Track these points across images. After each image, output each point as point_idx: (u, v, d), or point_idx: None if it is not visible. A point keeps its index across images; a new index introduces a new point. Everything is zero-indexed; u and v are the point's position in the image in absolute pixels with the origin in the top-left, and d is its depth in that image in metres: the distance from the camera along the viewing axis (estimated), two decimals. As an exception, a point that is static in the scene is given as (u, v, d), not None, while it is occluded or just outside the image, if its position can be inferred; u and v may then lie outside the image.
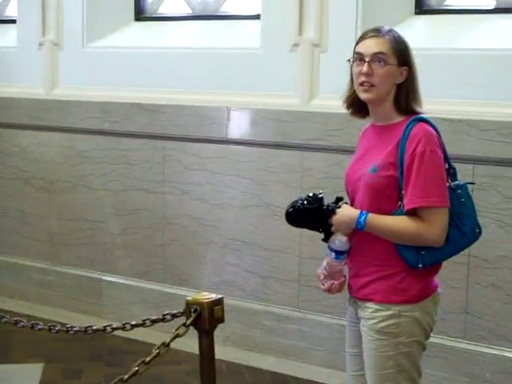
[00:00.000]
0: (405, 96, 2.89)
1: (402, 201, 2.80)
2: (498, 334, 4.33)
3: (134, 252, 5.61)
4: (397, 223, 2.80)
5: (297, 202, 2.88)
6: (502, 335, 4.32)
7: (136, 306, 5.56)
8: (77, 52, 5.75)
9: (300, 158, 4.88)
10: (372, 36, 2.90)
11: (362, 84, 2.88)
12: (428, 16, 4.75)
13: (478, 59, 4.33)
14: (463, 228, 2.84)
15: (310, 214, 2.84)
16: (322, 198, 2.86)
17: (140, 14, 5.82)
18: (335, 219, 2.88)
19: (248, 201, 5.09)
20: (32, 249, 6.08)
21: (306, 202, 2.85)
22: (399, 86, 2.89)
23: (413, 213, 2.78)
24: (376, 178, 2.82)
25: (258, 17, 5.11)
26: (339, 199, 2.90)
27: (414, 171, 2.76)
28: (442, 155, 2.82)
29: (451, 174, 2.87)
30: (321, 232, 2.91)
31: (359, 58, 2.90)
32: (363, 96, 2.89)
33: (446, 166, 2.85)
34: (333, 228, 2.89)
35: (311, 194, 2.87)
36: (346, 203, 2.92)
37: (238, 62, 5.11)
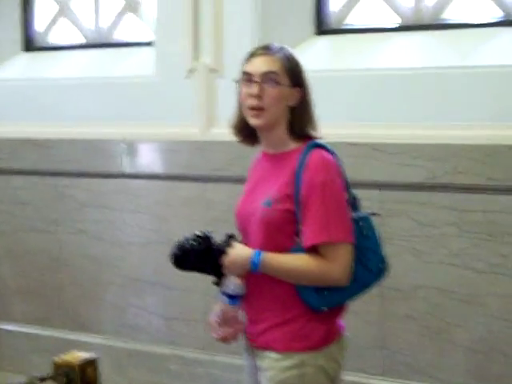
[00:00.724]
0: (299, 120, 2.63)
1: (299, 236, 2.52)
2: (415, 368, 4.10)
3: (30, 297, 5.24)
4: (295, 262, 2.52)
5: (183, 242, 2.58)
6: (420, 369, 4.09)
7: (35, 354, 5.18)
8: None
9: (202, 190, 4.60)
10: (262, 54, 2.63)
11: (251, 108, 2.62)
12: (329, 36, 4.54)
13: (381, 79, 4.13)
14: (368, 264, 2.58)
15: (199, 256, 2.54)
16: (210, 236, 2.57)
17: (29, 44, 5.48)
18: (227, 260, 2.58)
19: (149, 237, 4.78)
20: None
21: (193, 243, 2.55)
22: (292, 109, 2.64)
23: (313, 250, 2.51)
24: (270, 213, 2.55)
25: (151, 44, 4.84)
26: (230, 237, 2.61)
27: (313, 204, 2.50)
28: (342, 184, 2.57)
29: (353, 204, 2.62)
30: (212, 275, 2.62)
31: (248, 78, 2.63)
32: (253, 122, 2.62)
33: (347, 196, 2.60)
34: (225, 270, 2.60)
35: (198, 233, 2.57)
36: (239, 241, 2.64)
37: (132, 91, 4.82)
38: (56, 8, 5.41)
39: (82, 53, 5.30)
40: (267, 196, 2.59)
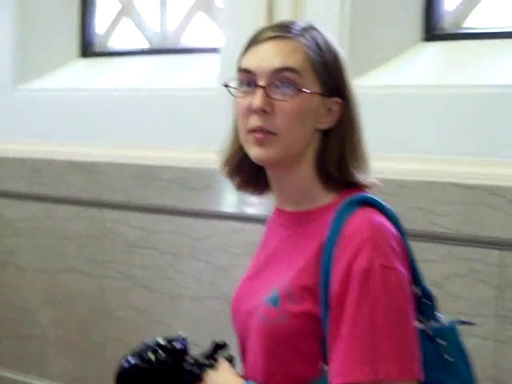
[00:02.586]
0: (338, 154, 1.63)
1: (327, 361, 1.50)
2: None
3: (69, 351, 4.37)
4: None
5: (141, 352, 1.60)
6: None
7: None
8: (5, 95, 4.59)
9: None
10: (272, 37, 1.65)
11: (251, 131, 1.63)
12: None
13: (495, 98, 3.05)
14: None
15: (156, 379, 1.56)
16: (182, 348, 1.58)
17: (86, 49, 4.65)
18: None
19: (203, 290, 3.83)
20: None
21: (151, 356, 1.57)
22: (326, 134, 1.65)
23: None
24: (276, 318, 1.55)
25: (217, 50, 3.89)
26: (218, 348, 1.62)
27: (349, 309, 1.48)
28: (405, 273, 1.54)
29: (424, 304, 1.59)
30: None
31: (247, 80, 1.65)
32: (256, 154, 1.64)
33: (415, 290, 1.57)
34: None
35: (162, 341, 1.59)
36: (230, 358, 1.64)
37: (196, 106, 3.90)
38: (118, 7, 4.56)
39: (143, 59, 4.43)
40: (274, 287, 1.59)
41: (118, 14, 4.56)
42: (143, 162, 3.99)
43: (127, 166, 4.05)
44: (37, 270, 4.47)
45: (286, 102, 1.60)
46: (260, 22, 3.55)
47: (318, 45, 1.64)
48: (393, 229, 1.57)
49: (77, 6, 4.64)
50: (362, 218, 1.55)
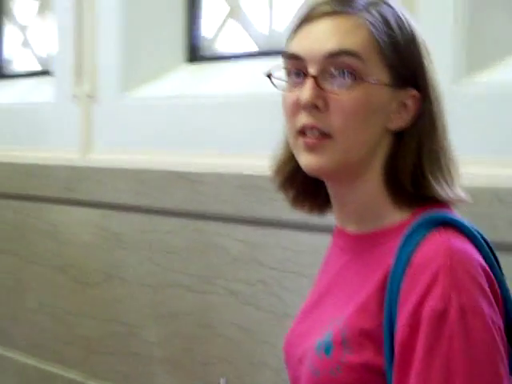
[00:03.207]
0: (413, 161, 1.32)
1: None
2: None
3: (173, 370, 4.18)
4: None
5: None
6: None
7: None
8: (113, 104, 4.45)
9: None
10: (330, 13, 1.34)
11: (300, 132, 1.35)
12: None
13: None
14: None
15: None
16: None
17: (193, 54, 4.45)
18: None
19: (310, 310, 3.56)
20: (68, 355, 4.79)
21: None
22: (399, 136, 1.34)
23: None
24: (330, 370, 1.26)
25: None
26: None
27: (419, 363, 1.17)
28: (493, 317, 1.20)
29: None
30: None
31: (295, 67, 1.37)
32: (305, 162, 1.37)
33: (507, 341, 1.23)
34: None
35: None
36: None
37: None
38: (226, 9, 4.35)
39: (251, 63, 4.20)
40: (329, 327, 1.30)
41: (225, 16, 4.35)
42: (247, 171, 3.76)
43: (231, 176, 3.83)
44: (141, 284, 4.31)
45: (343, 95, 1.30)
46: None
47: (387, 22, 1.32)
48: (479, 257, 1.25)
49: (182, 10, 4.46)
50: (437, 243, 1.23)
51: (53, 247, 4.84)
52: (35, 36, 5.43)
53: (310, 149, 1.33)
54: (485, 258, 1.26)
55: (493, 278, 1.25)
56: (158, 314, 4.24)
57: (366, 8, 1.33)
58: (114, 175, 4.38)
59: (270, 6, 4.13)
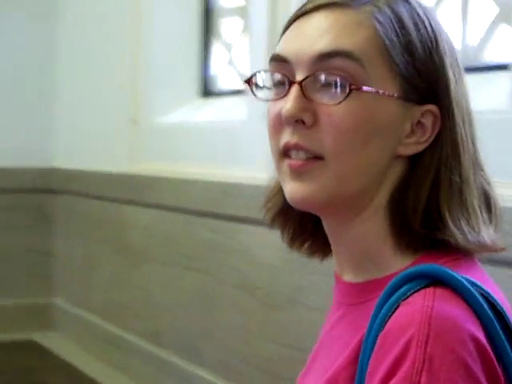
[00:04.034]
0: (427, 195, 1.04)
1: None
2: None
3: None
4: None
5: None
6: None
7: None
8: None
9: None
10: (326, 5, 1.06)
11: (284, 154, 1.12)
12: None
13: None
14: None
15: None
16: None
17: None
18: None
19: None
20: (253, 378, 4.70)
21: None
22: (413, 163, 1.07)
23: None
24: None
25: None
26: None
27: None
28: None
29: None
30: None
31: (280, 71, 1.13)
32: (289, 191, 1.12)
33: None
34: None
35: None
36: None
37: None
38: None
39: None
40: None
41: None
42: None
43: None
44: (323, 310, 4.14)
45: (336, 108, 1.04)
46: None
47: (400, 20, 1.06)
48: (474, 328, 0.94)
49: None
50: (416, 306, 0.95)
51: (243, 268, 4.80)
52: (239, 55, 5.44)
53: (296, 174, 1.09)
54: (487, 329, 0.96)
55: (491, 355, 0.95)
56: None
57: (374, 1, 1.07)
58: (243, 191, 4.35)
59: (464, 19, 3.83)
